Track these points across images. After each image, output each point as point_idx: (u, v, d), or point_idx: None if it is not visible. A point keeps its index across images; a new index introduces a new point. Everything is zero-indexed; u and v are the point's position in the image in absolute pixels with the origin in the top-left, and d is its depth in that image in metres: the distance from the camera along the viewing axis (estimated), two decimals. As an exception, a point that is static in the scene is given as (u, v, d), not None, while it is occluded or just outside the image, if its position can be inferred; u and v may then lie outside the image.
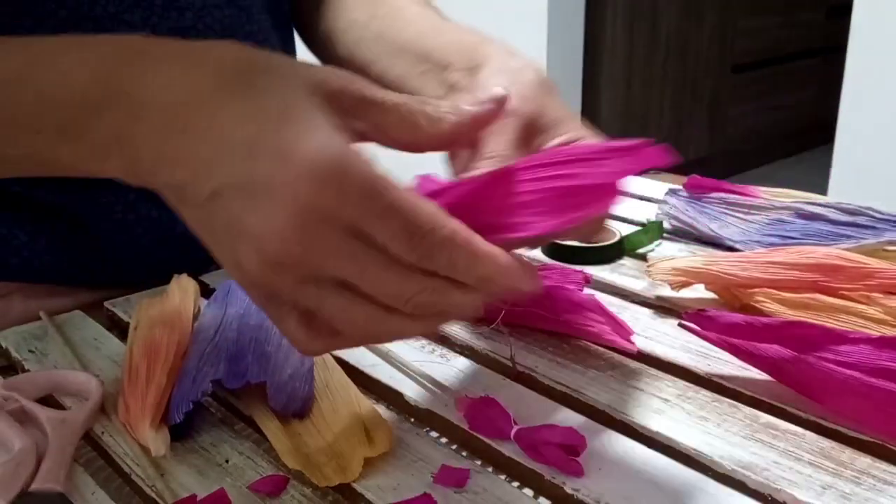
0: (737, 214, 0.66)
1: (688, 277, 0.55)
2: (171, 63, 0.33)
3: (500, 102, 0.39)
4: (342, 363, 0.49)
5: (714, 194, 0.68)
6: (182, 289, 0.55)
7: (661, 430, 0.42)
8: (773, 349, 0.43)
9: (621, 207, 0.62)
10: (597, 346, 0.51)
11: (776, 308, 0.52)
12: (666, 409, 0.44)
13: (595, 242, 0.64)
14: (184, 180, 0.32)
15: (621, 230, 0.67)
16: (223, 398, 0.47)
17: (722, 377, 0.47)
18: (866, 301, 0.51)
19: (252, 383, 0.43)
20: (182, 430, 0.43)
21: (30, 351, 0.52)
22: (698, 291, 0.57)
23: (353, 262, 0.32)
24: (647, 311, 0.56)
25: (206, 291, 0.58)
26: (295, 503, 0.38)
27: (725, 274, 0.54)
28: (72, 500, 0.39)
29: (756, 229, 0.64)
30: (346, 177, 0.30)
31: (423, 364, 0.49)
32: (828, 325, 0.48)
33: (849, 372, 0.41)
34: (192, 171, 0.32)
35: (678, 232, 0.69)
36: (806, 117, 3.60)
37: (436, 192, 0.35)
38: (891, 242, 0.59)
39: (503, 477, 0.39)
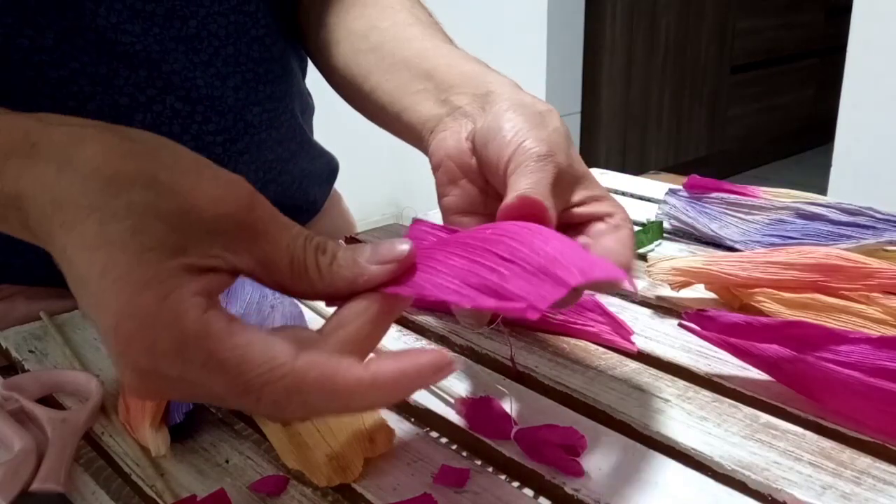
0: (737, 214, 0.66)
1: (688, 277, 0.55)
2: (47, 162, 0.32)
3: (405, 262, 0.34)
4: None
5: (714, 194, 0.68)
6: (182, 289, 0.55)
7: (661, 430, 0.42)
8: (773, 349, 0.43)
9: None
10: (597, 346, 0.51)
11: (776, 308, 0.52)
12: (666, 409, 0.44)
13: None
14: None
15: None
16: (223, 398, 0.47)
17: (722, 377, 0.47)
18: (866, 301, 0.51)
19: (252, 383, 0.43)
20: (182, 430, 0.43)
21: (30, 351, 0.52)
22: (698, 291, 0.57)
23: (201, 398, 0.32)
24: (646, 311, 0.56)
25: (206, 291, 0.58)
26: (295, 503, 0.38)
27: (725, 274, 0.54)
28: (72, 500, 0.39)
29: (756, 229, 0.64)
30: (152, 332, 0.29)
31: (423, 364, 0.49)
32: (827, 325, 0.48)
33: (848, 372, 0.41)
34: (63, 265, 0.32)
35: (678, 232, 0.69)
36: (805, 118, 3.60)
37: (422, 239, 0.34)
38: (891, 242, 0.59)
39: (503, 477, 0.39)
